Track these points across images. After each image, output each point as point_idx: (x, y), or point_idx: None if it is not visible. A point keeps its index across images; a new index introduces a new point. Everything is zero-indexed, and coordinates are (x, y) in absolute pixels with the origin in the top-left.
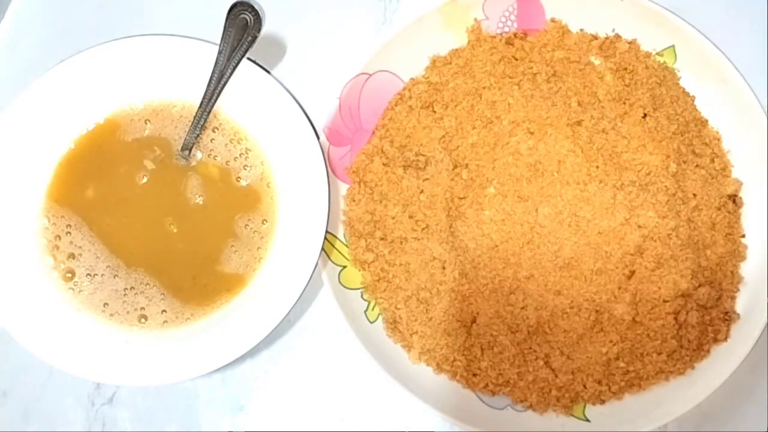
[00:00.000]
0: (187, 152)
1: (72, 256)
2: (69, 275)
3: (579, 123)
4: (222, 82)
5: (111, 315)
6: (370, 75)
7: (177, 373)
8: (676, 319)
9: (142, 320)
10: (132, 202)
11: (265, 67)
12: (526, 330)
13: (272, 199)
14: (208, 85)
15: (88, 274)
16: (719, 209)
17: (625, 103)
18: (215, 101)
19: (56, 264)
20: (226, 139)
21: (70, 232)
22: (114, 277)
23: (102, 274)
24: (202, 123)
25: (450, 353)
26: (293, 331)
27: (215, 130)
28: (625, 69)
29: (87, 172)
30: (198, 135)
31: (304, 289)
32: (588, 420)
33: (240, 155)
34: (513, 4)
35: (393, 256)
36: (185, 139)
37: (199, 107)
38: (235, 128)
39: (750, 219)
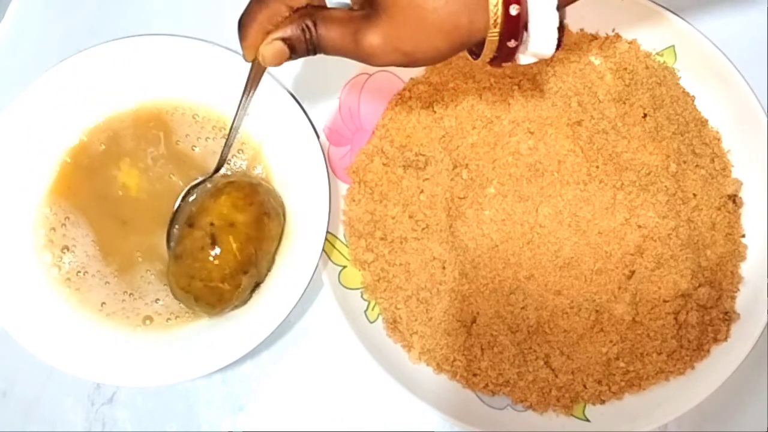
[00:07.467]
0: (218, 173)
1: (66, 248)
2: (67, 274)
3: (579, 123)
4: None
5: (108, 315)
6: (370, 75)
7: (177, 374)
8: (676, 319)
9: (147, 321)
10: (130, 202)
11: None
12: (526, 330)
13: None
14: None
15: (80, 272)
16: (719, 209)
17: (625, 103)
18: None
19: (53, 260)
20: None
21: (65, 234)
22: (106, 283)
23: (97, 273)
24: (231, 141)
25: (450, 353)
26: (294, 332)
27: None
28: (625, 69)
29: (86, 172)
30: (228, 152)
31: (305, 290)
32: (588, 420)
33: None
34: None
35: (393, 256)
36: (218, 160)
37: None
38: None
39: (750, 219)
